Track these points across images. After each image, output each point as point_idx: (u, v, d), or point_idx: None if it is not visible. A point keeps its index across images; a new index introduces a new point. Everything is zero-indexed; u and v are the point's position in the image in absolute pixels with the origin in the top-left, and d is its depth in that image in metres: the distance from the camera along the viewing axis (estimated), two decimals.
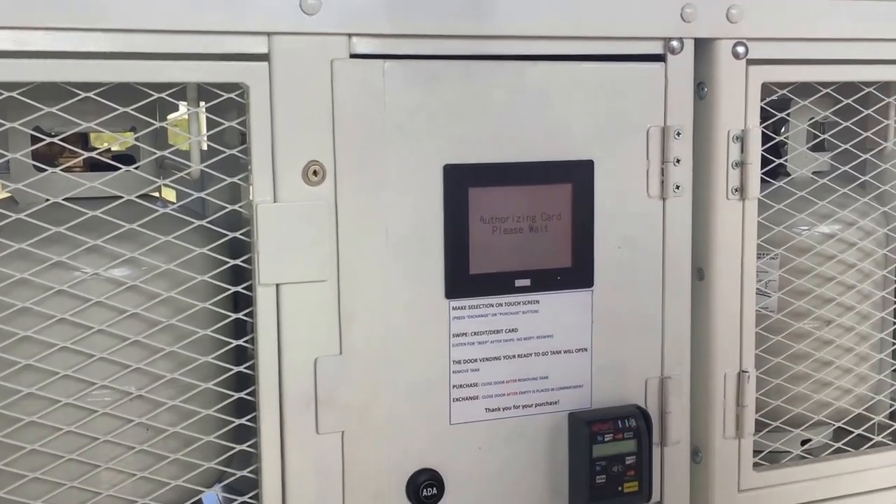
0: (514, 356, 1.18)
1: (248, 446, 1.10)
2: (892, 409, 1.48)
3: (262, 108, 1.04)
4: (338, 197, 1.07)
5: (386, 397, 1.12)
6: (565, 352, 1.21)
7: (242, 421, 1.10)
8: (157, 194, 1.20)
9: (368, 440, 1.11)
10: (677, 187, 1.23)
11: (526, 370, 1.19)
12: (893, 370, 1.48)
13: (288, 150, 1.05)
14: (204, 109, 1.09)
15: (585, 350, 1.21)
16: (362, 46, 1.08)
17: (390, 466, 1.13)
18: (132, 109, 1.03)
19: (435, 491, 1.14)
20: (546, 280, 1.18)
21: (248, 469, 1.11)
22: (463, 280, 1.14)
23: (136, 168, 1.09)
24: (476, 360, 1.16)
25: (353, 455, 1.11)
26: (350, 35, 1.07)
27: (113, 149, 1.15)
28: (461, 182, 1.13)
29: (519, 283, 1.17)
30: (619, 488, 1.19)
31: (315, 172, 1.06)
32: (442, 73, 1.12)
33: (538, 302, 1.19)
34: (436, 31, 1.11)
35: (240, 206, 1.08)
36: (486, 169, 1.14)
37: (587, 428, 1.18)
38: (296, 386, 1.08)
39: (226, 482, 1.16)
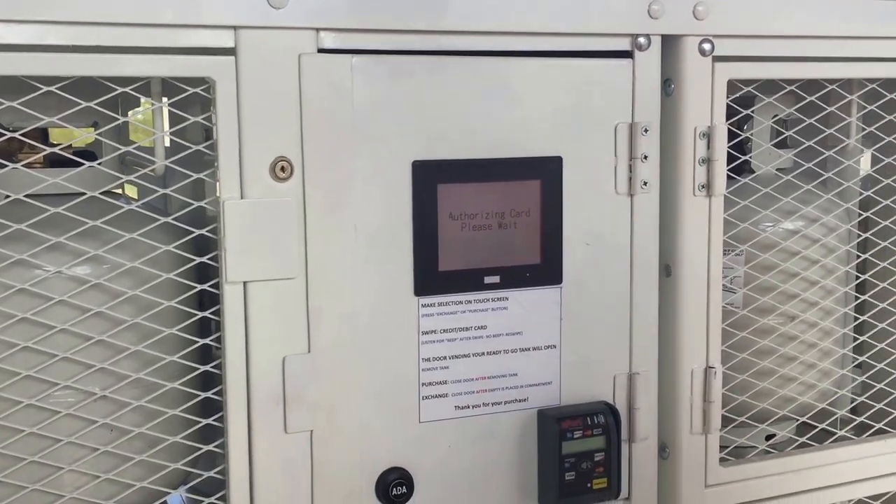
0: (483, 353, 1.19)
1: (215, 447, 1.09)
2: (854, 403, 1.51)
3: (229, 104, 1.03)
4: (306, 193, 1.07)
5: (355, 396, 1.12)
6: (534, 349, 1.21)
7: (209, 421, 1.09)
8: (119, 191, 1.19)
9: (337, 439, 1.11)
10: (645, 184, 1.25)
11: (495, 367, 1.20)
12: (856, 365, 1.51)
13: (255, 145, 1.04)
14: (168, 105, 1.08)
15: (554, 347, 1.22)
16: (330, 41, 1.08)
17: (359, 465, 1.13)
18: (95, 104, 1.01)
19: (405, 490, 1.14)
20: (515, 277, 1.19)
21: (215, 470, 1.10)
22: (432, 277, 1.15)
23: (98, 164, 1.07)
24: (445, 358, 1.17)
25: (321, 454, 1.11)
26: (318, 29, 1.07)
27: (74, 145, 1.14)
28: (430, 178, 1.14)
29: (488, 280, 1.18)
30: (589, 485, 1.20)
31: (283, 168, 1.06)
32: (410, 69, 1.12)
33: (507, 299, 1.19)
34: (404, 26, 1.11)
35: (206, 203, 1.07)
36: (454, 165, 1.15)
37: (556, 425, 1.19)
38: (263, 385, 1.07)
39: (191, 484, 1.15)
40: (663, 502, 1.31)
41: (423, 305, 1.15)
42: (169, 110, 1.10)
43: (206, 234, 1.07)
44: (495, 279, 1.18)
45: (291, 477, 1.10)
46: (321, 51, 1.07)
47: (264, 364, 1.07)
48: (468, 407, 1.18)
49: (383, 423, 1.14)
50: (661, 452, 1.31)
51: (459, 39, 1.14)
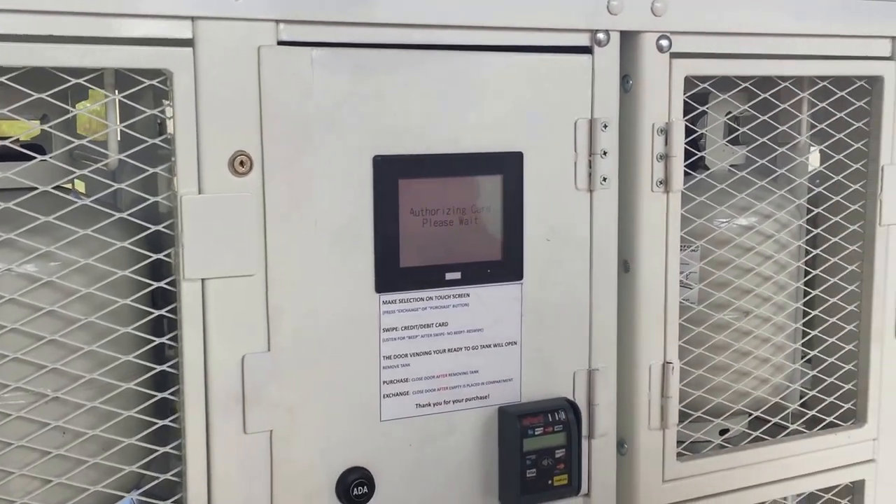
0: (444, 351, 1.19)
1: (172, 448, 1.07)
2: (806, 398, 1.54)
3: (187, 96, 1.01)
4: (265, 188, 1.06)
5: (315, 395, 1.11)
6: (495, 345, 1.22)
7: (166, 422, 1.07)
8: (68, 186, 1.16)
9: (297, 439, 1.10)
10: (604, 179, 1.26)
11: (456, 365, 1.20)
12: (807, 360, 1.55)
13: (214, 139, 1.03)
14: (121, 97, 1.05)
15: (515, 343, 1.23)
16: (290, 33, 1.07)
17: (320, 465, 1.12)
18: (46, 96, 0.99)
19: (366, 490, 1.14)
20: (476, 273, 1.19)
21: (172, 472, 1.08)
22: (393, 274, 1.14)
23: (49, 158, 1.05)
24: (406, 355, 1.16)
25: (281, 454, 1.09)
26: (277, 21, 1.05)
27: (22, 138, 1.11)
28: (391, 173, 1.13)
29: (449, 276, 1.18)
30: (550, 482, 1.21)
31: (242, 163, 1.04)
32: (372, 62, 1.11)
33: (468, 295, 1.19)
34: (366, 19, 1.11)
35: (163, 198, 1.05)
36: (416, 160, 1.15)
37: (517, 422, 1.19)
38: (222, 384, 1.06)
39: (144, 488, 1.13)
40: (621, 498, 1.33)
41: (385, 302, 1.14)
42: (119, 103, 1.07)
43: (163, 230, 1.05)
44: (456, 275, 1.18)
45: (250, 478, 1.08)
46: (281, 43, 1.06)
47: (223, 363, 1.06)
48: (429, 405, 1.18)
49: (344, 421, 1.13)
50: (619, 448, 1.33)
51: (421, 33, 1.14)
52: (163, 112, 1.06)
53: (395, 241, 1.14)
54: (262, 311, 1.07)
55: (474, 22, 1.17)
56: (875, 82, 1.45)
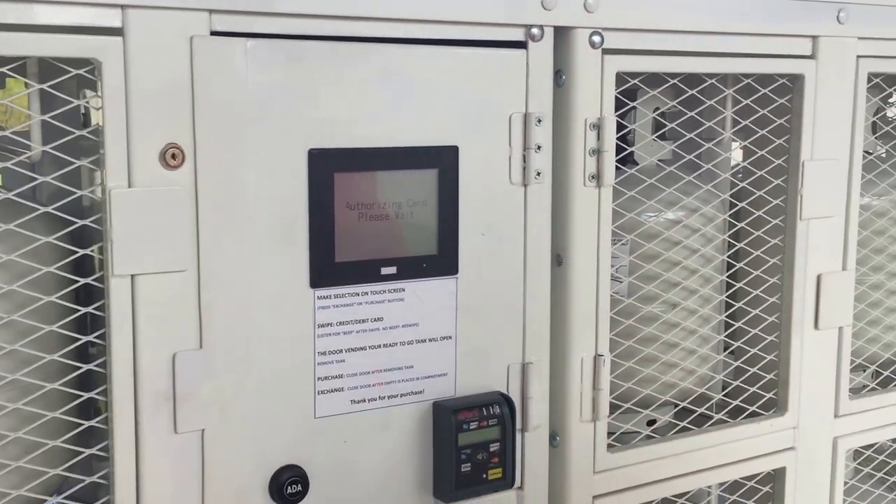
0: (379, 346, 1.18)
1: (98, 450, 1.04)
2: (729, 388, 1.58)
3: (116, 87, 0.98)
4: (198, 182, 1.04)
5: (248, 392, 1.09)
6: (430, 340, 1.22)
7: (92, 423, 1.04)
8: None
9: (230, 438, 1.08)
10: (538, 174, 1.27)
11: (392, 360, 1.19)
12: (731, 351, 1.58)
13: (144, 131, 1.00)
14: (46, 87, 1.02)
15: (450, 338, 1.23)
16: (223, 23, 1.04)
17: (253, 464, 1.11)
18: None
19: (300, 488, 1.12)
20: (412, 268, 1.19)
21: (99, 474, 1.05)
22: (328, 268, 1.13)
23: None
24: (341, 351, 1.15)
25: (213, 454, 1.07)
26: (210, 11, 1.03)
27: None
28: (326, 167, 1.12)
29: (385, 270, 1.17)
30: (484, 475, 1.22)
31: (174, 156, 1.02)
32: (307, 55, 1.10)
33: (404, 290, 1.19)
34: (301, 10, 1.09)
35: (90, 192, 1.02)
36: (352, 154, 1.13)
37: (452, 416, 1.19)
38: (152, 383, 1.03)
39: (67, 492, 1.09)
40: (553, 490, 1.34)
41: (319, 298, 1.13)
42: (41, 93, 1.03)
43: (90, 224, 1.01)
44: (392, 270, 1.18)
45: (181, 478, 1.06)
46: (214, 33, 1.04)
47: (153, 362, 1.03)
48: (364, 401, 1.18)
49: (278, 419, 1.12)
50: (552, 440, 1.34)
51: (357, 25, 1.13)
52: (87, 102, 1.03)
53: (331, 236, 1.13)
54: (193, 308, 1.05)
55: (410, 15, 1.16)
56: (796, 80, 1.49)
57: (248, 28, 1.06)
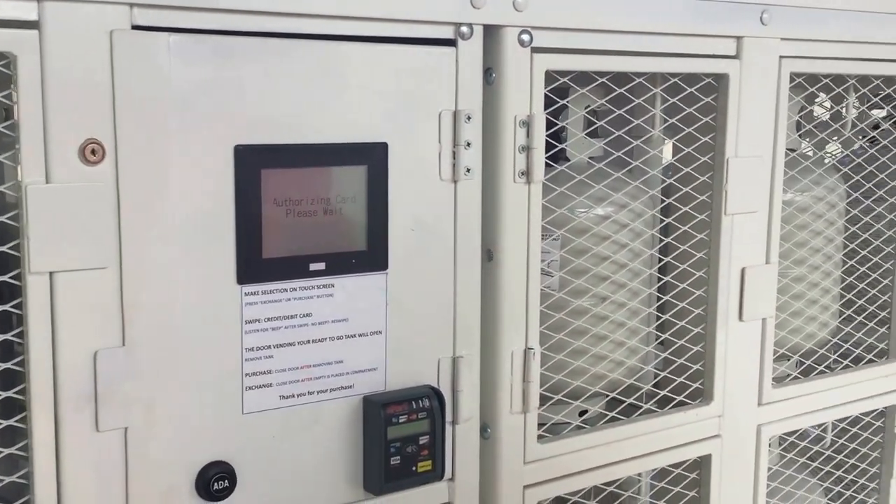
0: (308, 341, 1.14)
1: (18, 449, 0.99)
2: (657, 378, 1.57)
3: (32, 81, 0.93)
4: (119, 178, 0.99)
5: (174, 389, 1.05)
6: (360, 335, 1.18)
7: (10, 422, 0.99)
8: None
9: (155, 435, 1.04)
10: (468, 170, 1.24)
11: (321, 355, 1.15)
12: (659, 342, 1.57)
13: (62, 127, 0.95)
14: None
15: (380, 333, 1.20)
16: (145, 17, 1.00)
17: (179, 461, 1.06)
18: None
19: (227, 483, 1.08)
20: (341, 263, 1.15)
21: (17, 474, 1.00)
22: (255, 265, 1.09)
23: None
24: (269, 347, 1.11)
25: (137, 451, 1.03)
26: (132, 5, 0.98)
27: None
28: (253, 163, 1.07)
29: (313, 266, 1.13)
30: (414, 468, 1.19)
31: (93, 151, 0.97)
32: (233, 50, 1.05)
33: (333, 286, 1.15)
34: (227, 6, 1.04)
35: (6, 188, 0.97)
36: (279, 150, 1.09)
37: (382, 410, 1.16)
38: (73, 382, 0.98)
39: None
40: (484, 481, 1.32)
41: (247, 294, 1.09)
42: None
43: (6, 221, 0.96)
44: (321, 266, 1.14)
45: (104, 477, 1.01)
46: (136, 28, 0.99)
47: (73, 360, 0.98)
48: (293, 396, 1.14)
49: (205, 416, 1.08)
50: (482, 433, 1.32)
51: (284, 21, 1.09)
52: (8, 97, 0.97)
53: (258, 232, 1.08)
54: (115, 305, 1.00)
55: (339, 12, 1.12)
56: (721, 79, 1.47)
57: (171, 23, 1.01)
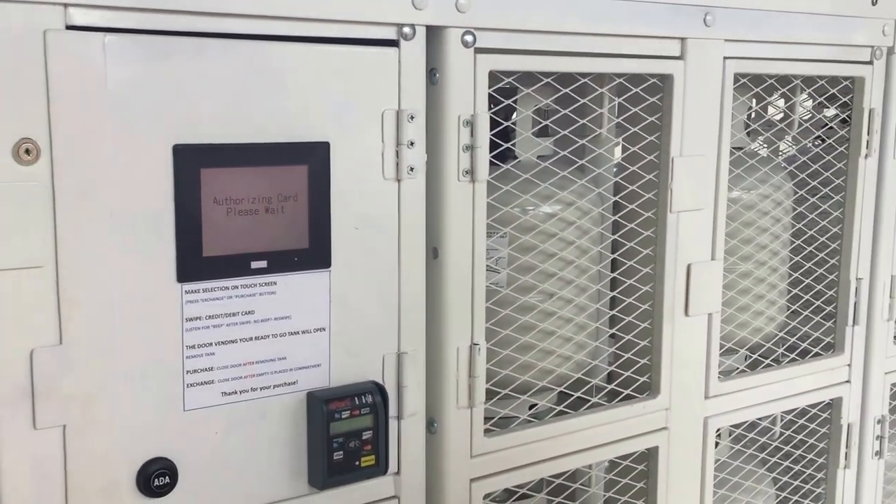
0: (251, 339, 1.13)
1: None
2: (605, 372, 1.56)
3: None
4: (55, 177, 0.97)
5: (113, 387, 1.03)
6: (303, 332, 1.17)
7: None
8: None
9: (94, 432, 1.02)
10: (411, 169, 1.23)
11: (263, 352, 1.14)
12: (609, 337, 1.56)
13: None
14: None
15: (324, 330, 1.18)
16: (80, 17, 0.98)
17: (119, 457, 1.05)
18: None
19: (168, 480, 1.07)
20: (283, 261, 1.14)
21: None
22: (196, 263, 1.07)
23: None
24: (211, 344, 1.10)
25: (76, 449, 1.01)
26: (66, 5, 0.96)
27: None
28: (192, 163, 1.06)
29: (255, 264, 1.12)
30: (357, 463, 1.18)
31: (28, 151, 0.95)
32: (170, 50, 1.04)
33: (275, 283, 1.14)
34: (164, 6, 1.03)
35: None
36: (219, 150, 1.08)
37: (324, 406, 1.15)
38: (9, 380, 0.97)
39: None
40: (431, 475, 1.31)
41: (187, 292, 1.08)
42: None
43: None
44: (262, 264, 1.12)
45: (42, 474, 1.00)
46: (70, 28, 0.97)
47: (10, 358, 0.97)
48: (235, 392, 1.12)
49: (145, 413, 1.06)
50: (429, 427, 1.31)
51: (222, 22, 1.07)
52: None
53: (198, 231, 1.07)
54: (52, 304, 0.98)
55: (278, 13, 1.11)
56: (666, 80, 1.47)
57: (107, 23, 1.00)
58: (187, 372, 1.09)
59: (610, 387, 1.53)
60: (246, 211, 1.10)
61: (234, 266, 1.10)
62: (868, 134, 1.75)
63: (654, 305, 1.53)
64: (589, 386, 1.50)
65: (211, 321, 1.10)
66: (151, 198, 1.04)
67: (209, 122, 1.07)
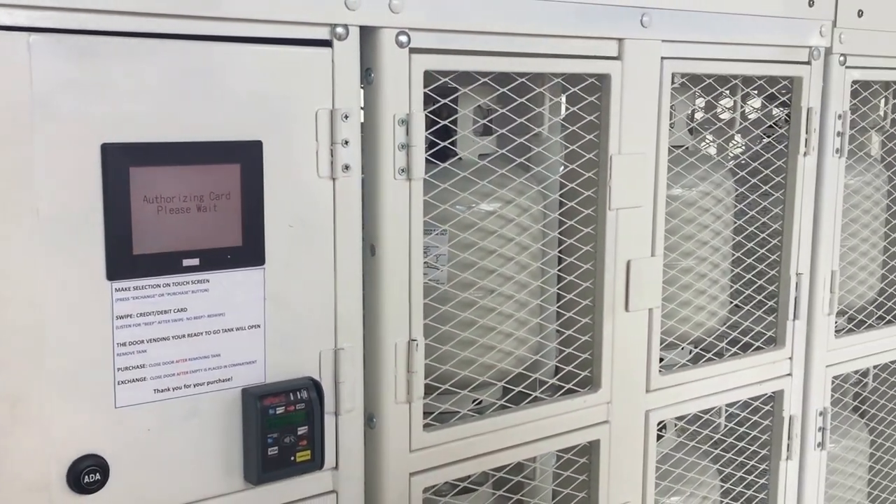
0: (183, 336, 1.13)
1: None
2: (547, 367, 1.57)
3: None
4: None
5: (42, 385, 1.03)
6: (238, 329, 1.17)
7: None
8: None
9: (21, 430, 1.02)
10: (346, 167, 1.23)
11: (197, 349, 1.14)
12: (551, 332, 1.57)
13: None
14: None
15: (258, 326, 1.18)
16: (4, 17, 0.97)
17: (49, 455, 1.04)
18: None
19: (98, 476, 1.06)
20: (216, 259, 1.14)
21: None
22: (126, 261, 1.07)
23: None
24: (143, 342, 1.09)
25: (3, 447, 1.01)
26: None
27: None
28: (122, 161, 1.05)
29: (187, 262, 1.11)
30: (292, 458, 1.18)
31: None
32: (99, 49, 1.03)
33: (208, 281, 1.14)
34: (92, 6, 1.02)
35: None
36: (149, 148, 1.07)
37: (258, 402, 1.15)
38: None
39: None
40: (370, 470, 1.31)
41: (118, 290, 1.07)
42: None
43: None
44: (195, 262, 1.12)
45: None
46: None
47: None
48: (168, 389, 1.12)
49: (76, 410, 1.05)
50: (368, 422, 1.31)
51: (153, 21, 1.06)
52: None
53: (127, 229, 1.06)
54: None
55: (209, 12, 1.10)
56: (604, 80, 1.48)
57: (32, 23, 0.99)
58: (118, 369, 1.08)
59: (552, 381, 1.54)
60: (177, 209, 1.10)
61: (165, 264, 1.10)
62: (807, 132, 1.77)
63: (594, 301, 1.54)
64: (531, 380, 1.51)
65: (142, 318, 1.09)
66: (80, 197, 1.03)
67: (139, 121, 1.07)
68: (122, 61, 1.05)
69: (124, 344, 1.08)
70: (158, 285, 1.10)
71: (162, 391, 1.12)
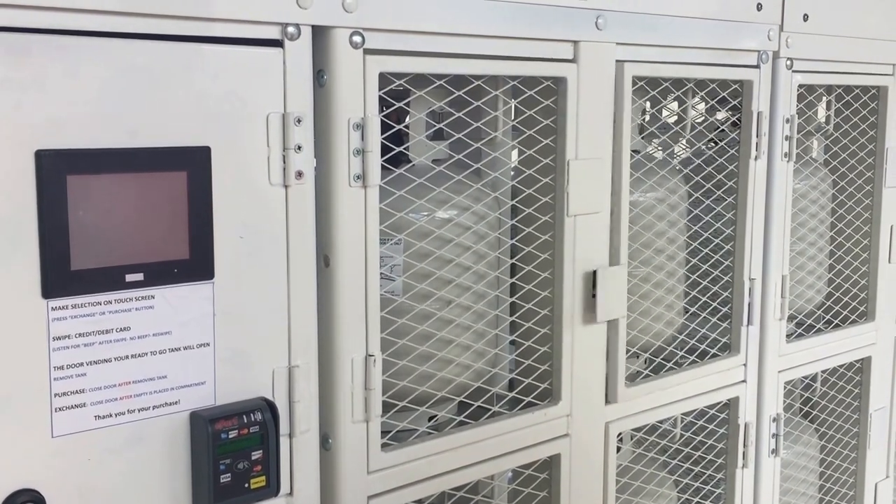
0: (127, 357, 1.06)
1: None
2: (506, 380, 1.54)
3: None
4: None
5: None
6: (185, 348, 1.10)
7: None
8: None
9: None
10: (299, 174, 1.18)
11: (142, 371, 1.07)
12: (511, 342, 1.54)
13: None
14: None
15: (208, 345, 1.12)
16: None
17: None
18: None
19: None
20: (161, 273, 1.07)
21: None
22: (63, 277, 1.00)
23: None
24: (82, 365, 1.02)
25: None
26: None
27: None
28: (58, 169, 0.99)
29: (130, 277, 1.05)
30: (246, 485, 1.12)
31: None
32: (30, 49, 0.97)
33: (153, 297, 1.07)
34: (25, 2, 0.96)
35: None
36: (87, 155, 1.01)
37: (209, 426, 1.09)
38: None
39: None
40: (326, 494, 1.26)
41: (54, 308, 1.00)
42: None
43: None
44: (138, 277, 1.05)
45: None
46: None
47: None
48: (111, 416, 1.05)
49: (8, 441, 0.98)
50: (323, 444, 1.25)
51: (89, 18, 1.00)
52: None
53: (65, 242, 1.00)
54: None
55: (153, 10, 1.04)
56: (560, 83, 1.46)
57: None
58: (55, 395, 1.01)
59: (511, 394, 1.51)
60: (119, 220, 1.04)
61: (106, 279, 1.03)
62: (757, 136, 1.78)
63: (553, 311, 1.51)
64: (490, 394, 1.47)
65: (82, 339, 1.02)
66: (11, 207, 0.96)
67: (77, 125, 1.00)
68: (57, 61, 0.98)
69: (62, 367, 1.01)
70: (99, 303, 1.03)
71: (103, 417, 1.05)
